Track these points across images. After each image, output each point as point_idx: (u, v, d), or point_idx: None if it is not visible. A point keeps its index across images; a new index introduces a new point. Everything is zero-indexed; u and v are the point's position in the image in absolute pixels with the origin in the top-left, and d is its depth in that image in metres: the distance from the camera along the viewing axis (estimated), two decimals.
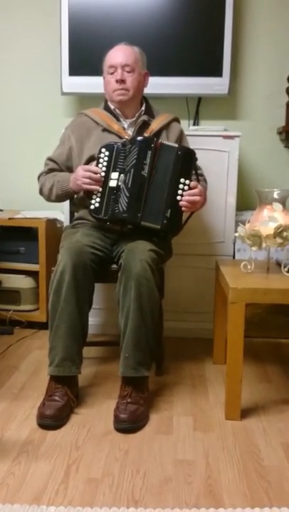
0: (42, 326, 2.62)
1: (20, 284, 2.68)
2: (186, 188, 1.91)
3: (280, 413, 1.84)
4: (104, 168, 1.92)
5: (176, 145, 1.94)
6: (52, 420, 1.71)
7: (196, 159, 1.96)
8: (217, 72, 2.65)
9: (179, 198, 1.91)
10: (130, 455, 1.56)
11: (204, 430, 1.72)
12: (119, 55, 2.02)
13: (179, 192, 1.91)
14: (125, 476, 1.46)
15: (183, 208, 1.91)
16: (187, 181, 1.92)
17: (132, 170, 1.88)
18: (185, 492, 1.39)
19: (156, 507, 1.32)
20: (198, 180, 1.97)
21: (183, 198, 1.91)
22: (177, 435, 1.69)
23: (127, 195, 1.88)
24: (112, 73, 2.03)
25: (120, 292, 1.81)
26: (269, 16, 2.78)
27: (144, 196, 1.89)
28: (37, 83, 2.89)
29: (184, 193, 1.91)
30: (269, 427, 1.74)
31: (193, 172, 1.96)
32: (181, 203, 1.91)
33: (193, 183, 1.93)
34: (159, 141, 1.94)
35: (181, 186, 1.91)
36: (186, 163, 1.93)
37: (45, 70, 2.86)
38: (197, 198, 1.92)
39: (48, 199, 2.11)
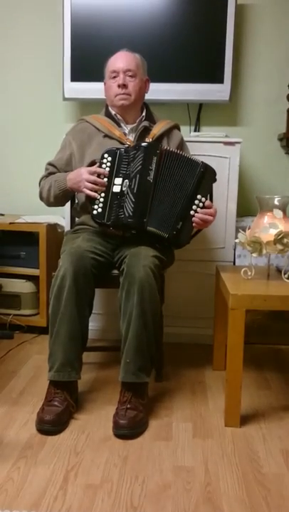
0: (42, 330, 2.62)
1: (20, 289, 2.69)
2: (200, 204, 1.92)
3: (279, 420, 1.83)
4: (106, 179, 1.92)
5: (200, 161, 1.94)
6: (51, 425, 1.70)
7: (215, 180, 1.98)
8: (218, 78, 2.66)
9: (192, 213, 1.92)
10: (129, 461, 1.56)
11: (204, 437, 1.72)
12: (121, 60, 2.04)
13: (194, 207, 1.92)
14: (124, 482, 1.45)
15: (194, 224, 1.92)
16: (203, 199, 1.93)
17: (138, 175, 1.88)
18: (184, 499, 1.39)
19: None
20: (211, 201, 1.97)
21: (196, 214, 1.91)
22: (176, 442, 1.68)
23: (133, 200, 1.88)
24: (114, 77, 2.04)
25: (122, 297, 1.81)
26: (270, 24, 2.79)
27: (151, 202, 1.90)
28: (39, 89, 2.90)
29: (199, 210, 1.92)
30: (269, 434, 1.73)
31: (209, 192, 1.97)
32: (194, 218, 1.91)
33: (208, 203, 1.94)
34: (181, 152, 1.94)
35: (196, 202, 1.92)
36: (207, 181, 1.94)
37: (47, 75, 2.87)
38: (210, 218, 1.93)
39: (48, 202, 2.10)
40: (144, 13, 2.63)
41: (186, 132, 2.72)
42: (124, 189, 1.90)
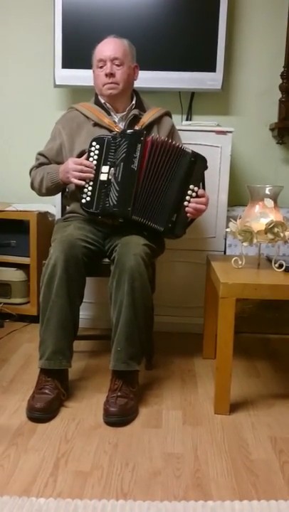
0: (32, 319, 2.62)
1: (11, 277, 2.68)
2: (194, 194, 1.92)
3: (268, 408, 1.85)
4: (95, 162, 1.91)
5: (190, 150, 1.93)
6: (42, 413, 1.71)
7: (206, 167, 1.97)
8: (210, 67, 2.65)
9: (185, 203, 1.92)
10: (119, 448, 1.57)
11: (193, 424, 1.73)
12: (107, 48, 2.01)
13: (187, 198, 1.92)
14: (114, 469, 1.47)
15: (188, 214, 1.92)
16: (196, 188, 1.93)
17: (122, 163, 1.88)
18: (174, 485, 1.40)
19: (145, 500, 1.32)
20: (203, 188, 1.97)
21: (190, 204, 1.91)
22: (166, 429, 1.70)
23: (117, 188, 1.88)
24: (101, 67, 2.02)
25: (113, 286, 1.81)
26: (263, 12, 2.77)
27: (135, 190, 1.89)
28: (30, 75, 2.87)
29: (192, 199, 1.92)
30: (257, 422, 1.75)
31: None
32: (187, 208, 1.92)
33: (201, 191, 1.94)
34: (171, 141, 1.93)
35: (189, 192, 1.92)
36: (198, 170, 1.94)
37: (38, 62, 2.84)
38: (203, 206, 1.93)
39: (39, 192, 2.10)
40: (136, 0, 2.60)
41: (178, 121, 2.71)
42: (110, 177, 1.89)
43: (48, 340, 1.80)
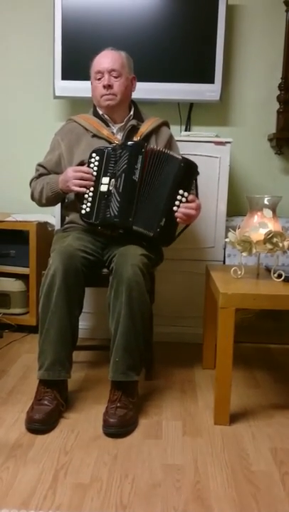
0: (32, 329, 2.61)
1: (10, 287, 2.67)
2: (183, 200, 1.92)
3: (268, 418, 1.84)
4: (95, 173, 1.93)
5: (180, 157, 1.94)
6: (41, 424, 1.70)
7: (197, 173, 1.97)
8: (209, 78, 2.67)
9: (175, 208, 1.91)
10: (119, 460, 1.56)
11: (193, 435, 1.72)
12: (105, 60, 2.03)
13: (176, 203, 1.91)
14: (114, 481, 1.46)
15: (178, 220, 1.92)
16: (186, 194, 1.92)
17: (123, 175, 1.89)
18: (173, 497, 1.39)
19: None
20: (196, 195, 1.97)
21: (179, 209, 1.91)
22: (166, 440, 1.69)
23: (118, 199, 1.88)
24: (99, 79, 2.04)
25: (111, 296, 1.81)
26: (261, 25, 2.80)
27: (136, 201, 1.90)
28: (29, 87, 2.89)
29: (181, 204, 1.92)
30: (258, 432, 1.74)
31: (193, 186, 1.97)
32: (176, 214, 1.91)
33: (191, 197, 1.93)
34: (163, 150, 1.94)
35: (178, 198, 1.91)
36: (188, 176, 1.94)
37: (37, 73, 2.86)
38: (193, 212, 1.92)
39: (40, 203, 2.11)
40: (135, 12, 2.63)
41: (177, 131, 2.73)
42: (110, 188, 1.90)
43: (47, 351, 1.79)
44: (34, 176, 2.13)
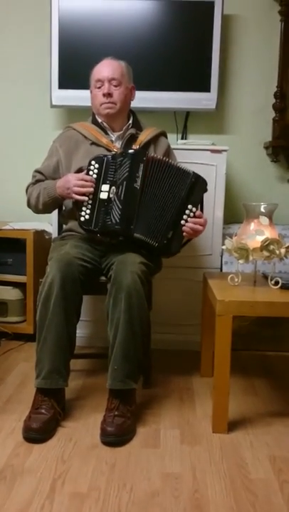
0: (29, 338, 2.60)
1: (7, 296, 2.67)
2: (191, 214, 1.93)
3: (266, 426, 1.84)
4: (94, 181, 1.93)
5: (192, 171, 1.95)
6: (38, 433, 1.69)
7: (206, 190, 1.99)
8: (205, 87, 2.69)
9: (182, 222, 1.93)
10: (117, 469, 1.55)
11: (191, 443, 1.71)
12: (105, 69, 2.05)
13: (184, 217, 1.93)
14: (112, 490, 1.45)
15: (184, 234, 1.93)
16: (194, 209, 1.94)
17: (125, 182, 1.89)
18: (172, 506, 1.38)
19: None
20: (202, 211, 1.98)
21: (187, 224, 1.92)
22: (164, 448, 1.68)
23: (120, 207, 1.89)
24: (99, 87, 2.05)
25: (110, 304, 1.81)
26: (256, 34, 2.83)
27: (137, 209, 1.90)
28: (26, 96, 2.90)
29: (189, 219, 1.93)
30: (256, 440, 1.74)
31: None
32: (184, 228, 1.92)
33: (198, 213, 1.95)
34: (170, 161, 1.95)
35: (187, 212, 1.93)
36: (198, 191, 1.95)
37: (34, 82, 2.88)
38: (200, 227, 1.94)
39: (36, 209, 2.10)
40: (131, 21, 2.65)
41: (173, 140, 2.74)
42: (111, 196, 1.90)
43: (44, 359, 1.79)
44: (31, 182, 2.13)
